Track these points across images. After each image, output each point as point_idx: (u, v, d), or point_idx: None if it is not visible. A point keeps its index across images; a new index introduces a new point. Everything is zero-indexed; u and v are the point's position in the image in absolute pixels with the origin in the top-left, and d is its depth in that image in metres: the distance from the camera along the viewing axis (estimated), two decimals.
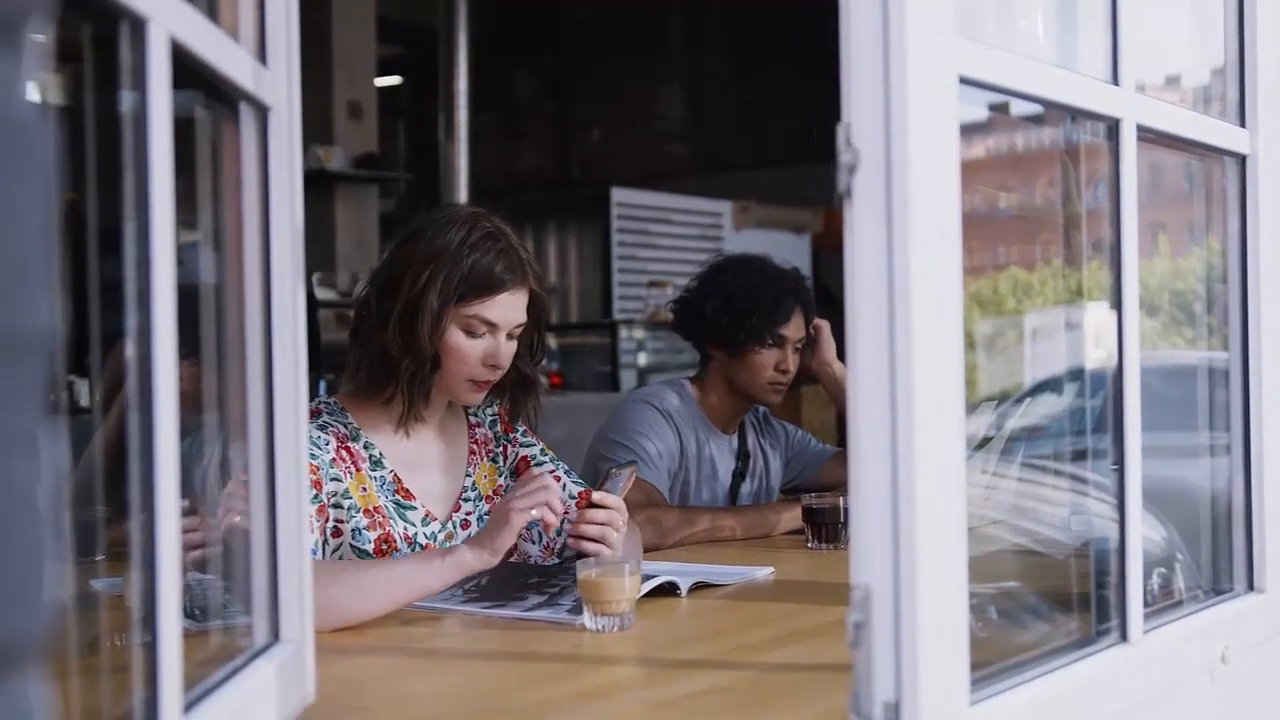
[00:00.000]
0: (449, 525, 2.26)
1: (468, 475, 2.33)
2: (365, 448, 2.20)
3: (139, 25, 0.98)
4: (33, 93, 0.57)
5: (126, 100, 1.01)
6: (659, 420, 2.94)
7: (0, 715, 0.55)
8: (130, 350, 1.00)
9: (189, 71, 1.11)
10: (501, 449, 2.40)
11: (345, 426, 2.19)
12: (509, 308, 2.20)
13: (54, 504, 0.57)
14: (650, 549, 2.67)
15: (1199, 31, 2.06)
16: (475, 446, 2.36)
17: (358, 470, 2.17)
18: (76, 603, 1.20)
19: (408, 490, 2.22)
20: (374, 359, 2.18)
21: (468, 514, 2.30)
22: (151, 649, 0.99)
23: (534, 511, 1.95)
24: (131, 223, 1.00)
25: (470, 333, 2.18)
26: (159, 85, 1.00)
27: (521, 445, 2.42)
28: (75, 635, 1.19)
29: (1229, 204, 1.81)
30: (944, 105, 1.19)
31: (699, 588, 2.15)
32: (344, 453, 2.15)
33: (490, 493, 2.35)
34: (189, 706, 1.08)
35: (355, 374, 2.22)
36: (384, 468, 2.21)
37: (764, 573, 2.32)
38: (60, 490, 0.58)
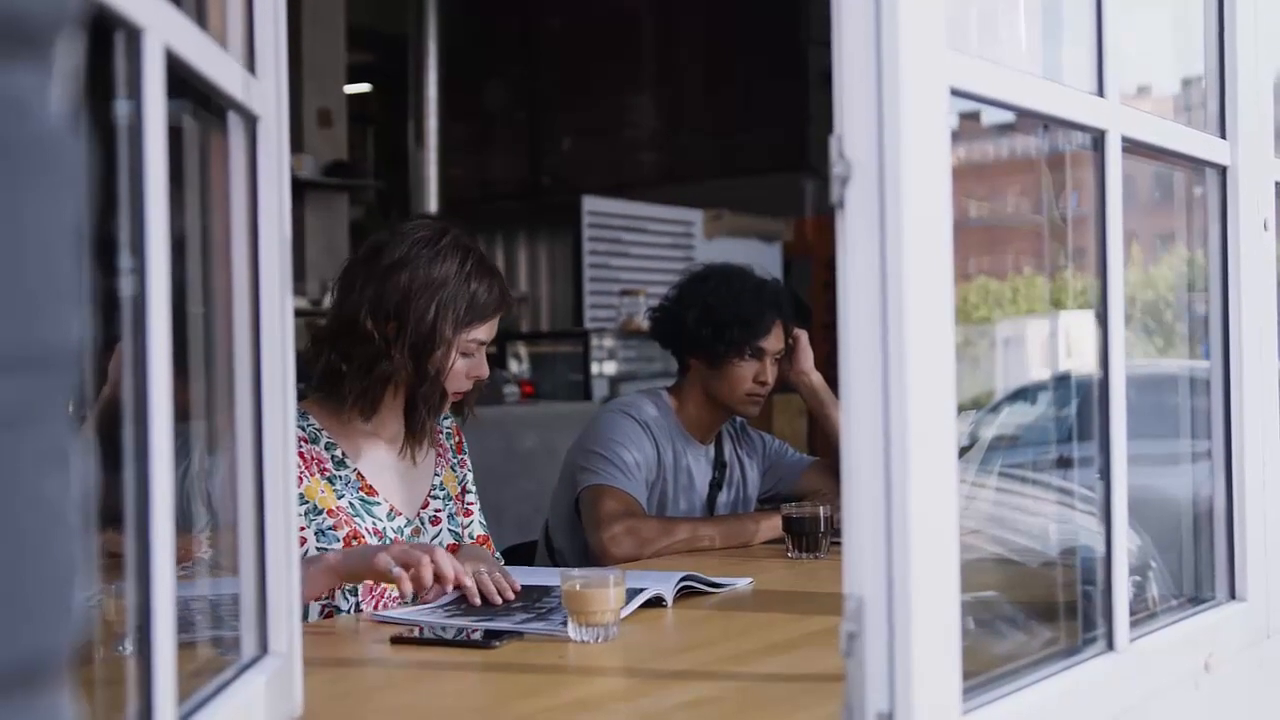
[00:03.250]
0: (416, 521, 2.34)
1: (436, 474, 2.41)
2: (326, 449, 2.26)
3: (134, 35, 0.98)
4: (62, 104, 0.56)
5: (120, 109, 1.00)
6: (636, 430, 2.94)
7: None
8: (125, 360, 1.00)
9: (179, 80, 1.10)
10: (460, 460, 2.50)
11: (304, 429, 2.22)
12: (495, 326, 2.33)
13: (82, 518, 0.57)
14: (629, 559, 2.67)
15: (1179, 43, 2.08)
16: (440, 450, 2.45)
17: (313, 474, 2.22)
18: None
19: (371, 487, 2.28)
20: (379, 384, 2.24)
21: (437, 510, 2.39)
22: (146, 662, 0.98)
23: (396, 570, 1.94)
24: (125, 232, 1.00)
25: (466, 354, 2.28)
26: (154, 94, 0.99)
27: (467, 469, 2.51)
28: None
29: (1209, 214, 1.83)
30: (936, 116, 1.20)
31: (684, 595, 2.16)
32: (298, 457, 2.17)
33: (456, 494, 2.44)
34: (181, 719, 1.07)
35: (351, 395, 2.24)
36: (347, 467, 2.27)
37: (744, 583, 2.33)
38: (89, 503, 0.57)
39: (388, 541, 2.25)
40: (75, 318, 0.56)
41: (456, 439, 2.50)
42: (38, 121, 0.54)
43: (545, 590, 2.16)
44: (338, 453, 2.26)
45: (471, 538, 2.39)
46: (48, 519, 0.54)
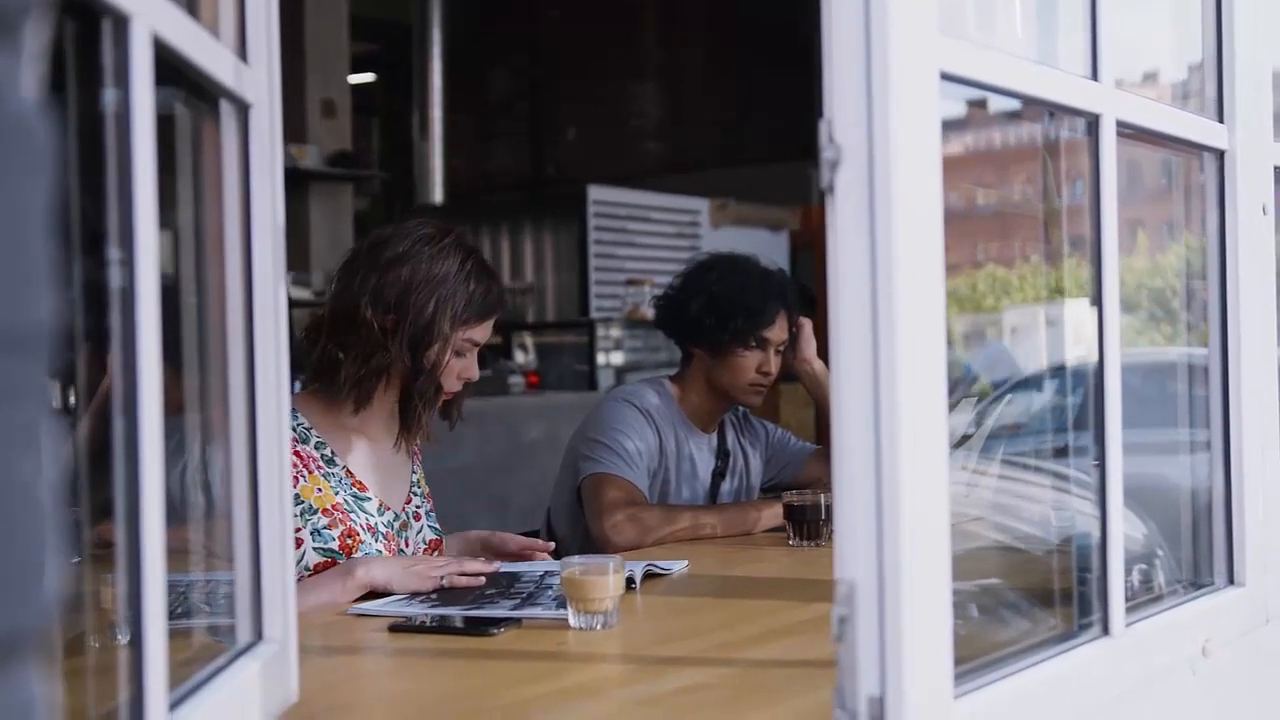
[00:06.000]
0: (403, 515, 2.38)
1: (414, 473, 2.45)
2: (316, 448, 2.28)
3: (121, 22, 0.98)
4: (32, 88, 0.57)
5: (108, 97, 1.00)
6: (638, 418, 2.94)
7: (3, 707, 0.55)
8: (113, 352, 1.00)
9: (169, 68, 1.10)
10: (421, 461, 2.53)
11: (294, 429, 2.23)
12: (490, 329, 2.36)
13: (55, 498, 0.57)
14: (631, 547, 2.67)
15: (1176, 27, 2.07)
16: (416, 449, 2.48)
17: (310, 472, 2.24)
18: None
19: (361, 483, 2.31)
20: (373, 375, 2.26)
21: (417, 507, 2.43)
22: (137, 648, 0.99)
23: (444, 581, 2.11)
24: (114, 222, 1.00)
25: (458, 353, 2.31)
26: (142, 82, 0.99)
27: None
28: (56, 635, 1.18)
29: (1207, 199, 1.82)
30: (926, 101, 1.20)
31: (687, 581, 2.18)
32: (294, 457, 2.19)
33: (427, 493, 2.49)
34: (173, 705, 1.08)
35: (346, 384, 2.24)
36: (337, 465, 2.29)
37: (679, 566, 2.36)
38: (62, 485, 0.58)
39: (380, 536, 2.27)
40: (46, 300, 0.57)
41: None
42: (7, 104, 0.55)
43: (514, 577, 2.18)
44: (327, 451, 2.29)
45: (424, 542, 2.41)
46: (19, 499, 0.54)
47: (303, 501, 2.20)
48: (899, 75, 1.15)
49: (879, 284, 1.15)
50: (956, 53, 1.26)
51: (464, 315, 2.27)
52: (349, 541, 2.22)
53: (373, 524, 2.28)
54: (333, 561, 2.19)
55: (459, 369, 2.31)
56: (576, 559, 1.94)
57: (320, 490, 2.23)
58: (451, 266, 2.27)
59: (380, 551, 2.25)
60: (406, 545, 2.35)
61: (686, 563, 2.39)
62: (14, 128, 0.54)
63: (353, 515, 2.25)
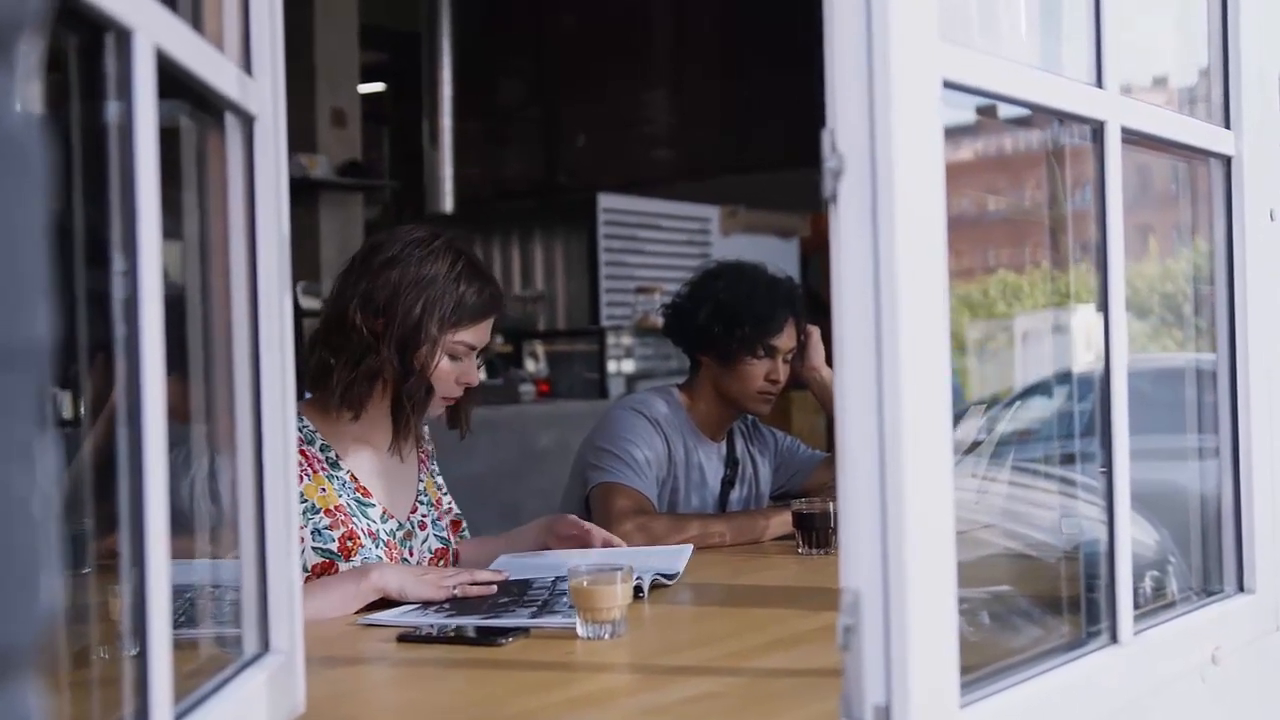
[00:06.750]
0: (407, 524, 2.37)
1: (420, 480, 2.45)
2: (322, 450, 2.29)
3: (124, 36, 0.98)
4: (27, 104, 0.57)
5: (111, 110, 1.01)
6: (647, 427, 2.94)
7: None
8: (118, 362, 1.00)
9: (173, 81, 1.11)
10: (433, 470, 2.52)
11: (300, 431, 2.24)
12: (487, 331, 2.35)
13: (50, 513, 0.58)
14: None
15: (1183, 33, 2.07)
16: (423, 456, 2.48)
17: (315, 473, 2.25)
18: (64, 615, 1.19)
19: (365, 488, 2.31)
20: (365, 379, 2.26)
21: (423, 516, 2.43)
22: (142, 660, 0.99)
23: (456, 591, 2.11)
24: (117, 233, 1.00)
25: (453, 357, 2.30)
26: (145, 96, 1.00)
27: (437, 474, 2.54)
28: (64, 647, 1.18)
29: (1214, 205, 1.82)
30: (928, 109, 1.20)
31: (656, 587, 2.19)
32: (299, 456, 2.20)
33: (434, 501, 2.47)
34: (179, 717, 1.08)
35: (338, 389, 2.24)
36: (341, 469, 2.30)
37: (685, 551, 2.40)
38: (56, 499, 0.58)
39: (382, 542, 2.28)
40: (43, 316, 0.57)
41: (430, 447, 2.54)
42: (2, 120, 0.55)
43: (526, 584, 2.18)
44: (331, 454, 2.29)
45: (430, 552, 2.41)
46: (14, 514, 0.54)
47: (306, 500, 2.20)
48: (900, 83, 1.15)
49: (882, 292, 1.15)
50: (958, 60, 1.26)
51: (453, 317, 2.27)
52: (349, 544, 2.22)
53: (374, 530, 2.28)
54: (331, 563, 2.19)
55: (456, 373, 2.30)
56: (584, 568, 1.94)
57: (324, 490, 2.24)
58: (440, 268, 2.26)
59: (380, 558, 2.25)
60: (411, 554, 2.35)
61: (691, 546, 2.41)
62: (10, 143, 0.54)
63: (354, 519, 2.25)
